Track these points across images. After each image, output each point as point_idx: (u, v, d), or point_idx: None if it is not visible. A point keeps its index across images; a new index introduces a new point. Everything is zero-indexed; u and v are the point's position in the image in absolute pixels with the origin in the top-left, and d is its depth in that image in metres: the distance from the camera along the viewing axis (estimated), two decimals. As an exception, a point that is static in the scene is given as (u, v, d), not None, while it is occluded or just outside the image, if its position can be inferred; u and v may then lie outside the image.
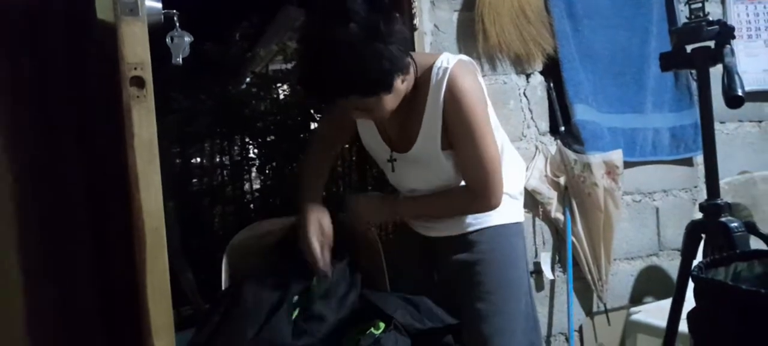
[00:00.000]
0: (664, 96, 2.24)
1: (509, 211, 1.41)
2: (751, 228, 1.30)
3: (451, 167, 1.33)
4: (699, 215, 1.40)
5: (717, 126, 2.29)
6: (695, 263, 1.25)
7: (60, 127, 1.29)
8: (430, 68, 1.28)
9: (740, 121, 2.41)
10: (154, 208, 1.10)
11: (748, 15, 2.36)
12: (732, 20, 2.34)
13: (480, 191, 1.31)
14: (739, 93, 1.11)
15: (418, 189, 1.41)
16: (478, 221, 1.39)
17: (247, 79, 4.17)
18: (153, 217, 1.11)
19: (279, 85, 3.80)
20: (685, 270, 1.37)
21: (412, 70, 1.28)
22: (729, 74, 1.11)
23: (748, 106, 1.66)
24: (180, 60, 1.16)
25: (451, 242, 1.41)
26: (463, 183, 1.37)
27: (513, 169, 1.46)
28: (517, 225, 1.44)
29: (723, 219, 1.27)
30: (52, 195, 1.29)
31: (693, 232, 1.38)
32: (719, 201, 1.30)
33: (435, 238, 1.44)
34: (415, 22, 1.99)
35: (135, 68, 1.07)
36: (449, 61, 1.28)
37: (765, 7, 2.38)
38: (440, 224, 1.43)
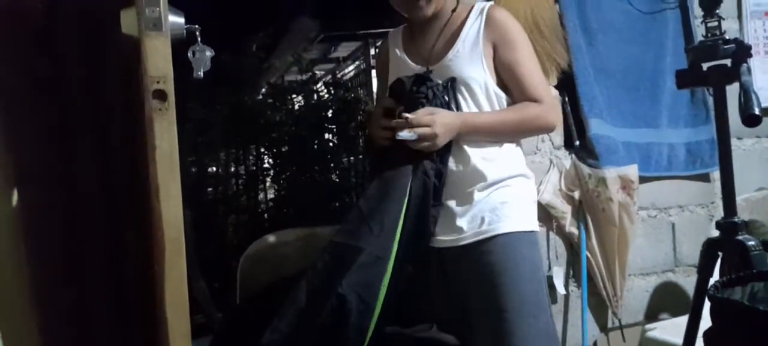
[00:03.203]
0: (680, 111, 2.23)
1: (522, 217, 1.34)
2: (769, 247, 1.28)
3: (483, 95, 1.37)
4: (715, 232, 1.39)
5: (734, 142, 2.27)
6: (712, 281, 1.24)
7: (77, 131, 1.32)
8: (469, 8, 1.45)
9: (758, 137, 2.39)
10: (174, 218, 1.12)
11: (765, 30, 2.35)
12: (749, 35, 2.33)
13: (546, 100, 1.38)
14: (756, 112, 1.11)
15: None
16: (489, 228, 1.31)
17: (263, 90, 4.21)
18: (172, 227, 1.13)
19: (294, 96, 3.83)
20: (701, 288, 1.36)
21: None
22: (745, 93, 1.11)
23: (766, 122, 1.66)
24: (201, 74, 1.19)
25: (459, 252, 1.32)
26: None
27: (526, 177, 1.43)
28: (532, 234, 1.36)
29: (740, 237, 1.26)
30: (68, 199, 1.31)
31: (709, 250, 1.37)
32: (736, 219, 1.29)
33: (442, 249, 1.36)
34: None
35: (158, 82, 1.10)
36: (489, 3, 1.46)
37: (781, 23, 2.37)
38: (447, 231, 1.34)
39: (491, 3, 1.39)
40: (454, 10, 1.44)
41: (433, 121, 1.29)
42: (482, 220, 1.32)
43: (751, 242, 1.23)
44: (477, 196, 1.34)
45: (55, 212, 1.30)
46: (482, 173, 1.35)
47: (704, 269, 1.36)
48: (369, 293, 1.22)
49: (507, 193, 1.35)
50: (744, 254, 1.21)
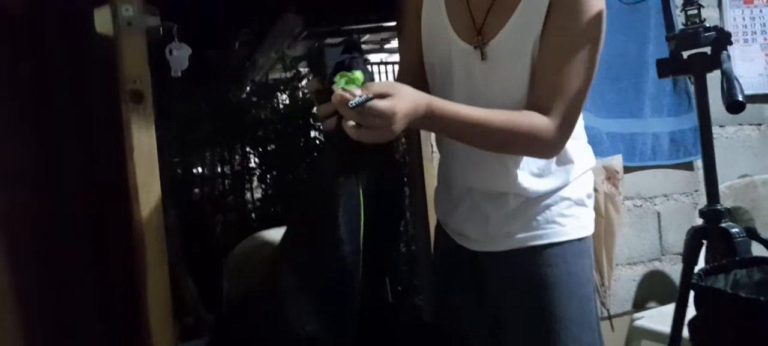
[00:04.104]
0: (662, 101, 2.25)
1: (576, 222, 1.09)
2: (752, 233, 1.29)
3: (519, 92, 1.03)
4: (700, 220, 1.40)
5: (717, 130, 2.29)
6: (697, 268, 1.25)
7: (59, 130, 1.29)
8: None
9: (740, 124, 2.41)
10: (155, 220, 1.11)
11: (744, 19, 2.37)
12: (728, 24, 2.35)
13: (555, 116, 0.98)
14: (740, 98, 1.11)
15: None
16: (536, 235, 1.08)
17: (247, 88, 4.18)
18: (153, 229, 1.11)
19: (279, 93, 3.81)
20: (687, 276, 1.37)
21: None
22: (728, 80, 1.11)
23: (747, 110, 1.68)
24: (179, 73, 1.17)
25: (498, 258, 1.11)
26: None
27: (586, 165, 1.13)
28: (584, 242, 1.10)
29: (724, 225, 1.26)
30: (49, 199, 1.28)
31: (694, 238, 1.37)
32: (719, 206, 1.30)
33: (481, 253, 1.13)
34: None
35: (133, 81, 1.08)
36: None
37: (761, 12, 2.39)
38: (485, 233, 1.11)
39: None
40: None
41: (395, 99, 0.88)
42: (529, 224, 1.09)
43: (735, 229, 1.23)
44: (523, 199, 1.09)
45: (34, 212, 1.27)
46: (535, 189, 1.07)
47: (689, 258, 1.37)
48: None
49: (562, 192, 1.09)
50: (728, 242, 1.21)
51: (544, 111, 0.99)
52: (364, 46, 5.15)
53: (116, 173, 1.20)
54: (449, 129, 1.00)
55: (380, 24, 5.01)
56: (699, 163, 2.28)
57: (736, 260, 1.07)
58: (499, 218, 1.10)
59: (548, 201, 1.08)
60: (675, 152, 2.26)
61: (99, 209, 1.31)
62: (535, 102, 1.01)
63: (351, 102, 0.84)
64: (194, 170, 3.94)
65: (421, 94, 0.94)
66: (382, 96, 0.87)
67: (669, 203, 2.29)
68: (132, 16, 1.05)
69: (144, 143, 1.09)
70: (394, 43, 5.43)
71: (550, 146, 1.02)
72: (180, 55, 1.15)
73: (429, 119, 0.95)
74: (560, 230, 1.07)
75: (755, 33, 2.37)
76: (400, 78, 1.17)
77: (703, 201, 2.39)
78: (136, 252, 1.14)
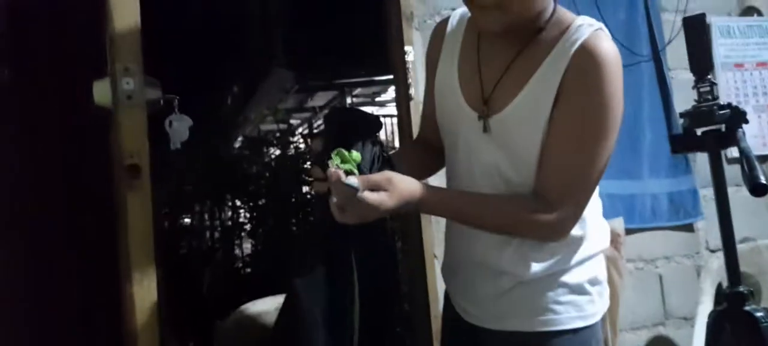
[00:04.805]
0: (660, 162, 2.24)
1: (578, 312, 1.00)
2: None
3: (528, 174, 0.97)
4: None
5: (711, 191, 2.29)
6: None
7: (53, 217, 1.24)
8: (564, 27, 0.96)
9: (738, 185, 2.41)
10: (148, 303, 1.04)
11: (736, 82, 2.41)
12: (721, 87, 2.38)
13: (556, 204, 0.92)
14: (762, 181, 1.07)
15: (485, 184, 1.00)
16: (533, 321, 0.99)
17: (238, 142, 4.16)
18: (146, 313, 1.04)
19: (270, 148, 3.79)
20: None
21: (550, 5, 0.96)
22: (749, 161, 1.09)
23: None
24: (179, 145, 1.12)
25: (496, 337, 1.03)
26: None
27: (593, 247, 1.03)
28: (584, 332, 1.01)
29: (747, 308, 1.22)
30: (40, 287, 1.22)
31: (717, 323, 1.31)
32: (742, 289, 1.26)
33: (482, 330, 1.05)
34: (411, 92, 2.00)
35: (131, 156, 1.03)
36: (593, 24, 0.96)
37: (751, 75, 2.43)
38: (481, 311, 1.05)
39: (597, 30, 0.94)
40: (541, 30, 0.96)
41: (385, 194, 0.88)
42: (523, 309, 1.02)
43: (760, 314, 1.18)
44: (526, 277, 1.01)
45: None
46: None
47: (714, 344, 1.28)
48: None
49: (560, 277, 1.01)
50: (754, 326, 1.16)
51: (548, 197, 0.93)
52: (355, 100, 5.18)
53: (108, 251, 1.14)
54: (443, 215, 1.01)
55: (371, 78, 5.09)
56: (699, 224, 2.26)
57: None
58: (492, 297, 1.03)
59: (543, 286, 1.00)
60: (675, 214, 2.24)
61: (89, 291, 1.24)
62: (540, 186, 0.95)
63: (340, 185, 0.84)
64: (182, 222, 3.86)
65: (415, 186, 0.92)
66: (375, 187, 0.87)
67: (671, 265, 2.26)
68: (132, 90, 1.01)
69: (140, 222, 1.03)
70: (385, 96, 5.48)
71: (550, 236, 0.97)
72: (180, 127, 1.11)
73: (420, 209, 0.96)
74: (554, 319, 0.99)
75: (747, 95, 2.40)
76: (421, 127, 1.18)
77: (703, 262, 2.39)
78: (127, 336, 1.06)
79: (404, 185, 0.90)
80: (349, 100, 4.83)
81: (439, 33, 1.10)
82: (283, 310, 1.02)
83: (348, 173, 0.85)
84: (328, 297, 0.97)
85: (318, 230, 1.00)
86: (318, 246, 1.00)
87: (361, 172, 0.89)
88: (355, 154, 0.90)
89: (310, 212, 3.30)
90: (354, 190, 0.83)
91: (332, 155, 0.88)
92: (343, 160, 0.88)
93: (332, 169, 0.84)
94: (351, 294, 0.97)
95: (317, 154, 0.93)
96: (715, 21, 2.39)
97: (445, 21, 1.10)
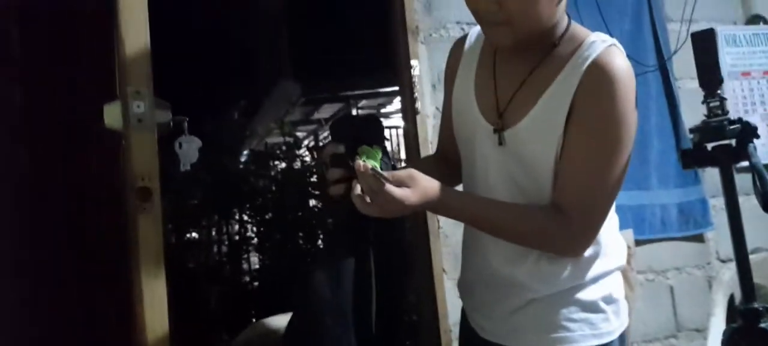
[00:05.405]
0: (669, 172, 2.23)
1: (592, 329, 0.98)
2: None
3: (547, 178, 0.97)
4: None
5: (719, 200, 2.27)
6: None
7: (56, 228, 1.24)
8: (578, 43, 0.97)
9: (747, 194, 2.39)
10: (159, 325, 1.04)
11: (743, 90, 2.40)
12: (727, 95, 2.37)
13: (573, 219, 0.93)
14: (776, 196, 1.07)
15: (502, 196, 1.01)
16: (545, 338, 0.98)
17: (245, 157, 4.17)
18: (157, 333, 1.04)
19: (277, 161, 3.80)
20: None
21: (564, 21, 0.98)
22: (760, 176, 1.08)
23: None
24: (188, 166, 1.13)
25: None
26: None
27: (609, 264, 1.02)
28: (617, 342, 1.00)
29: (763, 325, 1.20)
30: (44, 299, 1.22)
31: (731, 341, 1.29)
32: (757, 305, 1.24)
33: (489, 342, 1.04)
34: (417, 105, 2.00)
35: (142, 179, 1.04)
36: (606, 40, 0.96)
37: (758, 83, 2.42)
38: (494, 326, 1.04)
39: (610, 46, 0.95)
40: (555, 45, 0.98)
41: (409, 190, 0.89)
42: (535, 325, 1.01)
43: (776, 331, 1.15)
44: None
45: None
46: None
47: None
48: None
49: (574, 294, 1.00)
50: (770, 344, 1.15)
51: (565, 212, 0.93)
52: (361, 112, 5.20)
53: (116, 270, 1.14)
54: (462, 218, 1.00)
55: (377, 90, 5.11)
56: (709, 235, 2.24)
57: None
58: (507, 314, 1.03)
59: (557, 303, 0.99)
60: (684, 224, 2.22)
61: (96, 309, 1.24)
62: (557, 200, 0.95)
63: (369, 177, 0.87)
64: (189, 237, 3.87)
65: (436, 186, 0.94)
66: (399, 183, 0.89)
67: (682, 276, 2.24)
68: (143, 113, 1.02)
69: (151, 243, 1.03)
70: (390, 108, 5.49)
71: (567, 249, 0.97)
72: (190, 149, 1.12)
73: (439, 210, 0.96)
74: (567, 337, 0.97)
75: (755, 104, 2.39)
76: (440, 140, 1.20)
77: (715, 274, 2.36)
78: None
79: (426, 183, 0.92)
80: (354, 112, 4.84)
81: (457, 48, 1.13)
82: (298, 307, 1.04)
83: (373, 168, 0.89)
84: (346, 293, 1.00)
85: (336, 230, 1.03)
86: (337, 245, 1.04)
87: (382, 169, 0.92)
88: (377, 152, 0.94)
89: (322, 222, 3.31)
90: (382, 182, 0.86)
91: (358, 152, 0.92)
92: (369, 156, 0.91)
93: (360, 162, 0.88)
94: (368, 291, 1.00)
95: (332, 157, 0.96)
96: (721, 30, 2.38)
97: (464, 37, 1.12)
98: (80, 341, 1.26)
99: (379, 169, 0.89)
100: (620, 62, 0.93)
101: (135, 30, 1.07)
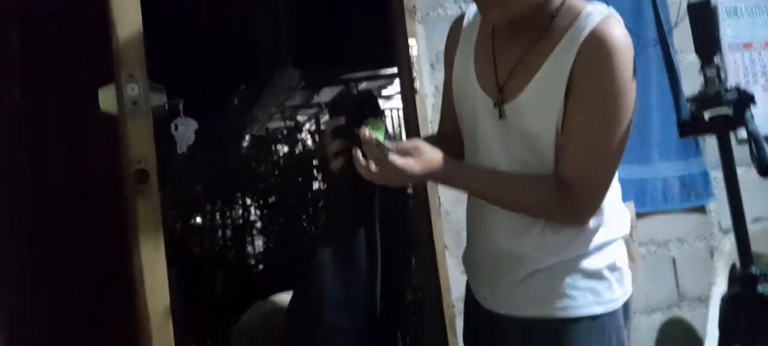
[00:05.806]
0: (670, 145, 2.22)
1: (596, 297, 0.99)
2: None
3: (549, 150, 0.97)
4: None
5: (720, 172, 2.27)
6: None
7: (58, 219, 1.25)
8: (575, 14, 0.97)
9: (748, 165, 2.38)
10: (160, 305, 1.05)
11: (744, 62, 2.37)
12: (728, 68, 2.35)
13: (576, 189, 0.94)
14: (773, 163, 1.06)
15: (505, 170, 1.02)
16: (549, 307, 1.00)
17: (246, 142, 4.18)
18: (159, 314, 1.06)
19: (278, 145, 3.80)
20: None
21: None
22: (757, 142, 1.08)
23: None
24: (185, 149, 1.13)
25: (512, 322, 1.03)
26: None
27: (612, 233, 1.03)
28: (602, 319, 1.00)
29: (761, 289, 1.20)
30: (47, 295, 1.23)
31: (729, 306, 1.29)
32: (754, 270, 1.24)
33: (501, 316, 1.05)
34: (415, 85, 1.99)
35: (139, 161, 1.04)
36: (603, 11, 0.96)
37: (760, 54, 2.40)
38: (496, 297, 1.05)
39: (607, 16, 0.94)
40: (553, 18, 0.97)
41: (413, 159, 0.93)
42: (539, 295, 1.02)
43: (774, 295, 1.16)
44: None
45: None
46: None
47: (728, 332, 1.25)
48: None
49: (577, 263, 1.01)
50: (767, 309, 1.15)
51: (568, 182, 0.95)
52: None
53: (119, 258, 1.15)
54: (466, 189, 1.04)
55: (376, 72, 5.08)
56: (711, 206, 2.24)
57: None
58: (511, 284, 1.04)
59: (561, 272, 1.00)
60: (686, 196, 2.22)
61: (100, 296, 1.26)
62: (560, 171, 0.97)
63: (373, 147, 0.91)
64: (193, 223, 3.90)
65: (440, 156, 0.97)
66: (404, 152, 0.92)
67: (684, 247, 2.24)
68: (137, 96, 1.02)
69: (150, 225, 1.04)
70: (390, 90, 5.47)
71: (571, 219, 0.99)
72: (186, 131, 1.12)
73: (443, 181, 1.01)
74: (571, 305, 0.98)
75: (756, 75, 2.37)
76: (441, 120, 1.21)
77: (717, 244, 2.37)
78: (141, 339, 1.07)
79: (431, 154, 0.95)
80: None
81: (456, 28, 1.13)
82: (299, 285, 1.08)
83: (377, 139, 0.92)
84: (350, 270, 1.04)
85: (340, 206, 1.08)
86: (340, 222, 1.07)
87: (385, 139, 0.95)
88: (381, 124, 0.98)
89: (323, 201, 3.32)
90: (386, 151, 0.90)
91: (364, 123, 0.95)
92: (374, 128, 0.94)
93: (366, 131, 0.91)
94: (374, 267, 1.04)
95: (334, 130, 0.99)
96: (721, 1, 2.35)
97: (462, 16, 1.13)
98: (81, 341, 1.28)
99: (382, 140, 0.92)
100: (618, 32, 0.93)
101: (127, 14, 1.06)
